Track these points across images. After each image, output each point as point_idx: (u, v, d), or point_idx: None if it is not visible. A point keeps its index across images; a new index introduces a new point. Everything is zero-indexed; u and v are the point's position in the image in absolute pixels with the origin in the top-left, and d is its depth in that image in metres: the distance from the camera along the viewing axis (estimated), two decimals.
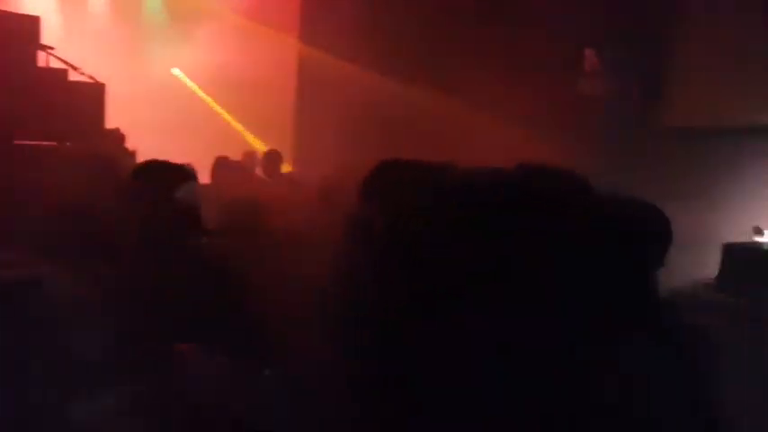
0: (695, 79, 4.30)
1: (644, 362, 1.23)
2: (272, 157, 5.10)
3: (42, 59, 4.32)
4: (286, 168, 5.42)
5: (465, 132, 5.00)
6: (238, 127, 7.13)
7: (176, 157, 2.14)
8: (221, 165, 4.46)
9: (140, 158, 3.58)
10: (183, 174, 2.01)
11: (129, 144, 4.66)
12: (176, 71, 7.29)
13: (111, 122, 4.37)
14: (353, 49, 5.93)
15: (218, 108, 7.22)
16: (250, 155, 5.60)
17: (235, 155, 5.06)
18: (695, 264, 2.72)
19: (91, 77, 4.36)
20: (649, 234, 1.39)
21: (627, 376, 1.21)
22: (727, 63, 4.08)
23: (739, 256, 2.78)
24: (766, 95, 3.85)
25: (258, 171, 5.18)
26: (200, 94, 7.24)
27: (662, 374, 1.22)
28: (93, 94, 4.19)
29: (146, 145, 4.12)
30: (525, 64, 4.95)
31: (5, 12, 4.43)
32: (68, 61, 4.39)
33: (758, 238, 3.07)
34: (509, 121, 4.85)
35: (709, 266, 2.88)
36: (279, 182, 4.83)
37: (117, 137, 4.59)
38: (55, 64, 4.36)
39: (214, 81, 7.06)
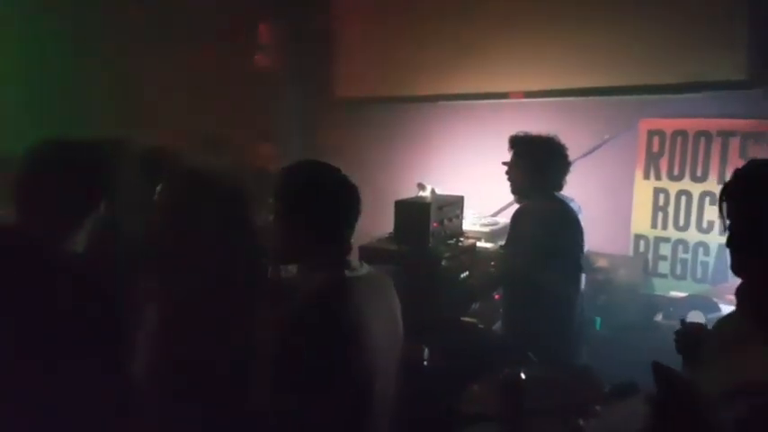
0: (358, 54, 4.68)
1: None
2: None
3: None
4: None
5: (138, 104, 4.67)
6: None
7: None
8: None
9: None
10: None
11: None
12: None
13: None
14: None
15: None
16: None
17: None
18: (377, 223, 2.98)
19: None
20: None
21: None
22: (381, 40, 4.55)
23: (405, 210, 3.08)
24: (413, 70, 4.39)
25: None
26: None
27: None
28: None
29: None
30: (199, 35, 4.80)
31: None
32: None
33: (422, 193, 3.46)
34: (185, 92, 4.69)
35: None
36: None
37: None
38: None
39: None
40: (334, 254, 1.58)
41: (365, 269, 1.62)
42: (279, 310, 1.60)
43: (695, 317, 3.46)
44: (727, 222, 1.25)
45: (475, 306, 3.19)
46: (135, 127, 4.17)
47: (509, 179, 2.97)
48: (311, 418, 1.45)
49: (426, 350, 2.36)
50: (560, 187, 2.90)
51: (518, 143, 2.94)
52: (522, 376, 2.01)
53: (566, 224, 2.82)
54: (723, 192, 1.28)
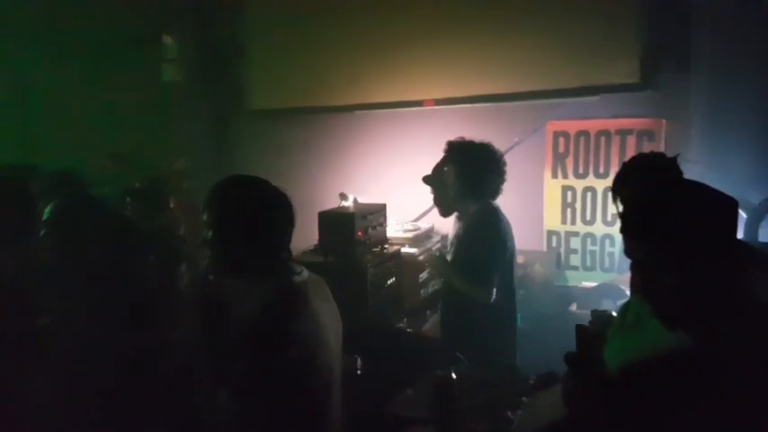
0: (272, 65, 4.68)
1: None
2: None
3: None
4: None
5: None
6: None
7: None
8: None
9: None
10: None
11: None
12: None
13: None
14: None
15: None
16: None
17: None
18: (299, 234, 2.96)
19: None
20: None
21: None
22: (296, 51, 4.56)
23: (329, 221, 3.11)
24: (329, 81, 4.43)
25: None
26: None
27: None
28: None
29: None
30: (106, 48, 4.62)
31: None
32: None
33: (344, 203, 3.49)
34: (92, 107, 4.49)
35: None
36: None
37: None
38: None
39: None
40: (278, 261, 1.61)
41: (306, 273, 1.68)
42: (221, 322, 1.63)
43: (606, 304, 3.71)
44: (620, 209, 1.34)
45: (402, 313, 3.27)
46: (36, 147, 3.98)
47: (436, 192, 2.94)
48: (272, 420, 1.48)
49: (359, 360, 2.40)
50: (497, 194, 2.88)
51: (454, 150, 2.88)
52: (454, 376, 2.10)
53: (507, 230, 2.87)
54: (614, 183, 1.39)
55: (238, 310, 1.63)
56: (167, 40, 4.96)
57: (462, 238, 2.87)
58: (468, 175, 2.81)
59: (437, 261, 3.05)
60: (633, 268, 1.28)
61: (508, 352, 2.84)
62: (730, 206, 1.19)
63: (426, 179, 3.02)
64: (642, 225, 1.19)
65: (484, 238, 2.78)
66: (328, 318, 1.67)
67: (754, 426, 1.09)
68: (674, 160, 1.22)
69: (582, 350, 1.30)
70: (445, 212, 2.99)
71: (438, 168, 2.99)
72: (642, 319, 1.35)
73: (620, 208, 1.38)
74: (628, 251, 1.30)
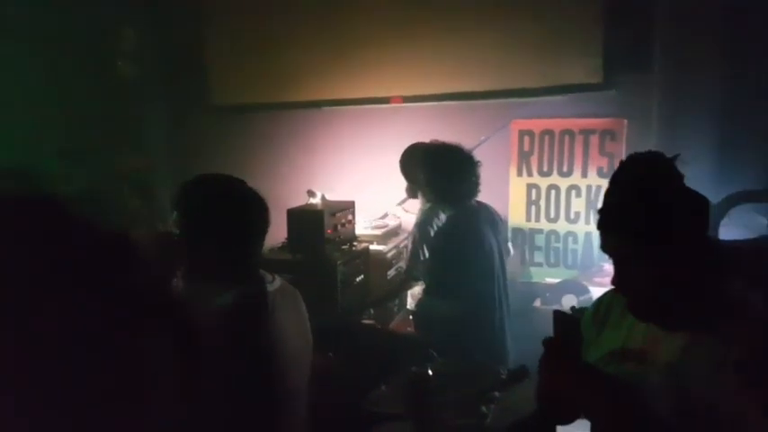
0: (234, 59, 4.59)
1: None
2: None
3: None
4: None
5: None
6: None
7: None
8: None
9: None
10: None
11: None
12: None
13: None
14: None
15: None
16: None
17: None
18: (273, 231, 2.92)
19: None
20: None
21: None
22: (259, 45, 4.49)
23: (298, 218, 3.09)
24: (295, 76, 4.39)
25: None
26: None
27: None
28: None
29: None
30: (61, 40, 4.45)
31: None
32: None
33: (312, 200, 3.47)
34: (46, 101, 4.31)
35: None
36: None
37: None
38: None
39: None
40: (250, 267, 1.56)
41: (278, 281, 1.62)
42: (186, 327, 1.57)
43: (568, 300, 3.79)
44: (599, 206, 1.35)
45: (370, 310, 3.26)
46: None
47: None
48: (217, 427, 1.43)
49: (333, 357, 2.39)
50: (473, 195, 2.96)
51: (421, 158, 2.96)
52: (430, 373, 2.10)
53: (481, 232, 2.93)
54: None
55: (202, 315, 1.57)
56: (125, 33, 4.81)
57: (434, 245, 2.91)
58: (437, 185, 2.89)
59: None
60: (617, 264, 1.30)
61: (483, 347, 2.87)
62: (707, 204, 1.27)
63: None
64: (633, 220, 1.21)
65: (449, 250, 2.85)
66: (294, 329, 1.60)
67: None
68: (672, 161, 1.25)
69: (559, 336, 1.32)
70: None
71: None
72: (623, 312, 1.37)
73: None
74: (605, 246, 1.32)
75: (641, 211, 1.22)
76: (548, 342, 1.33)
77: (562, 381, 1.28)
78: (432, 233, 2.97)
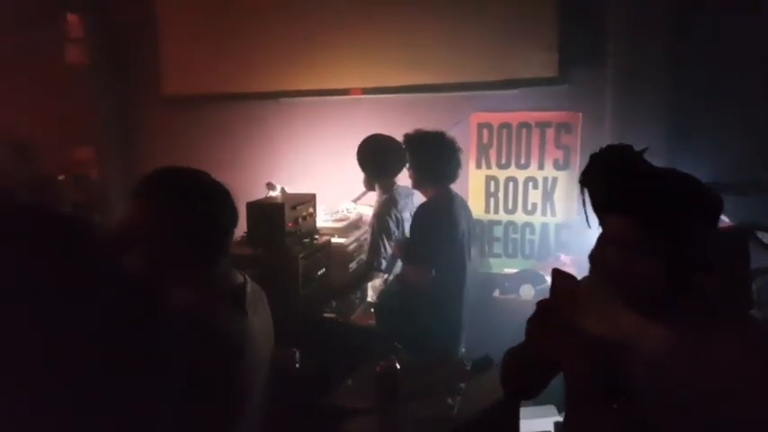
0: (189, 48, 4.47)
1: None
2: None
3: None
4: None
5: None
6: None
7: None
8: None
9: None
10: None
11: None
12: None
13: None
14: None
15: None
16: None
17: None
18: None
19: None
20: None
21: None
22: (215, 34, 4.38)
23: (258, 212, 3.03)
24: (251, 66, 4.31)
25: None
26: None
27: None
28: None
29: None
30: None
31: None
32: None
33: (272, 193, 3.41)
34: None
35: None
36: None
37: None
38: None
39: None
40: (220, 264, 1.50)
41: (249, 282, 1.57)
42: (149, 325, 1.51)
43: (527, 289, 3.87)
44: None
45: (332, 303, 3.24)
46: None
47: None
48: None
49: (297, 353, 2.36)
50: (454, 178, 3.06)
51: (409, 142, 3.07)
52: (398, 366, 2.11)
53: (456, 215, 3.00)
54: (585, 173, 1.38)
55: (168, 315, 1.52)
56: (71, 18, 4.61)
57: (413, 225, 3.01)
58: (423, 165, 3.00)
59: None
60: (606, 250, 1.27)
61: (447, 338, 2.90)
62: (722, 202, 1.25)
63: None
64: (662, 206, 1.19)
65: (432, 227, 2.92)
66: (264, 330, 1.57)
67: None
68: (641, 154, 1.26)
69: (556, 297, 1.31)
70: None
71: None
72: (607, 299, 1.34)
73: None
74: (610, 230, 1.26)
75: (673, 198, 1.19)
76: (542, 302, 1.33)
77: (549, 337, 1.28)
78: (390, 223, 3.03)
